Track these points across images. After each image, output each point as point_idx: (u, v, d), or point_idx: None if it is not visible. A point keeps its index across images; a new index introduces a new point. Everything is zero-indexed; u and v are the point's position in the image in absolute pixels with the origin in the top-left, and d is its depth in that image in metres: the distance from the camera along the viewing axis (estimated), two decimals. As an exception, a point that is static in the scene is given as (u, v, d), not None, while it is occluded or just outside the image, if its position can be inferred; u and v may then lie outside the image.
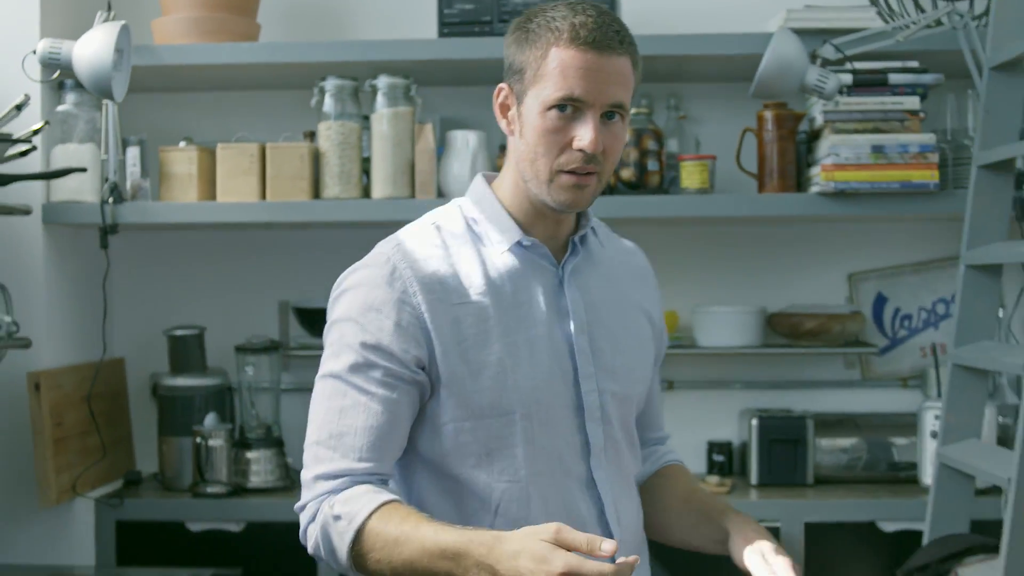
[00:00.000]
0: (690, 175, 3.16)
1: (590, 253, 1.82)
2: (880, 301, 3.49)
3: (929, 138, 3.07)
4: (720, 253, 3.47)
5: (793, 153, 3.20)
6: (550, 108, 1.66)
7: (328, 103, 3.20)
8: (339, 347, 1.72)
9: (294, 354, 3.48)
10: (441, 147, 3.25)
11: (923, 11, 3.06)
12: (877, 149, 3.06)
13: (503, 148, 3.21)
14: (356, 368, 1.69)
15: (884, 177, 3.05)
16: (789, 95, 3.05)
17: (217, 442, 3.19)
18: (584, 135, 1.66)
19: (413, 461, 1.78)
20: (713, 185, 3.21)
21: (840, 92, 2.97)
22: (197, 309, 3.52)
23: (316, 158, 3.21)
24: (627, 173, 3.15)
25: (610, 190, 3.16)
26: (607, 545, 1.50)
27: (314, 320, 3.40)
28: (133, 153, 3.24)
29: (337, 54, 3.17)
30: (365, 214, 3.16)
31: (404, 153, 3.16)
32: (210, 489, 3.18)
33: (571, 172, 1.68)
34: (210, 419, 3.22)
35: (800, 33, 2.99)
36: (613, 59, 1.66)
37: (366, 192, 3.21)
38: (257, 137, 3.31)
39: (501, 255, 1.74)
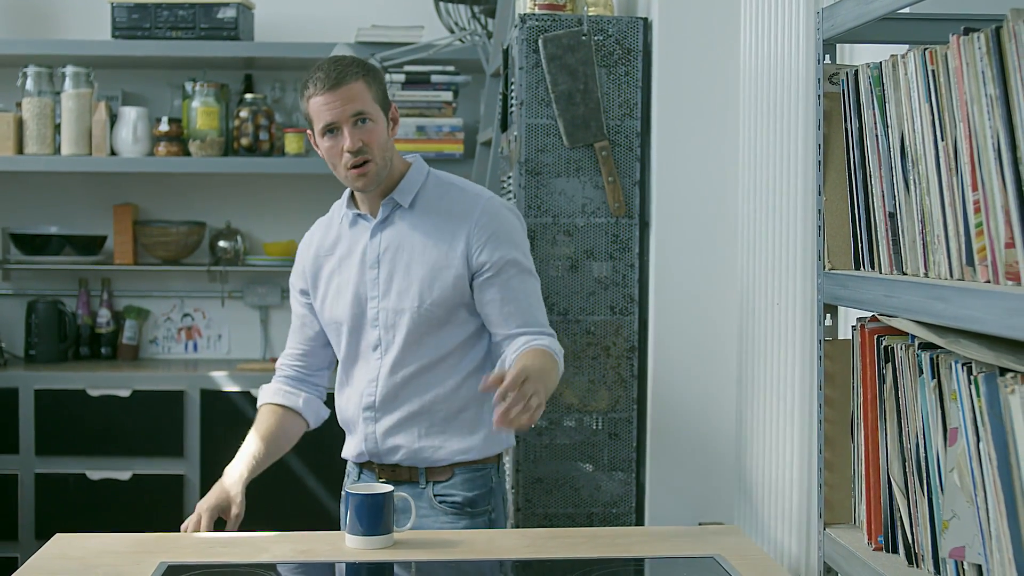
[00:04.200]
0: (291, 143, 4.46)
1: (406, 211, 2.53)
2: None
3: (457, 121, 4.43)
4: (318, 197, 4.73)
5: (368, 129, 4.52)
6: (323, 135, 2.46)
7: (30, 84, 4.41)
8: None
9: (11, 267, 4.68)
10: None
11: (483, 25, 4.37)
12: (420, 128, 4.40)
13: (159, 120, 4.46)
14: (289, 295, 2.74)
15: (425, 148, 4.39)
16: (349, 91, 4.35)
17: (-55, 329, 4.40)
18: (344, 143, 2.44)
19: None
20: (310, 150, 4.51)
21: (382, 90, 4.29)
22: (-64, 233, 4.69)
23: (20, 124, 4.42)
24: (245, 141, 4.44)
25: (234, 152, 4.45)
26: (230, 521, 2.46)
27: (25, 242, 4.61)
28: None
29: (37, 48, 4.42)
30: (56, 166, 4.41)
31: (84, 122, 4.39)
32: (-60, 361, 4.40)
33: (352, 167, 2.43)
34: (-59, 313, 4.43)
35: (366, 45, 4.31)
36: (343, 88, 2.41)
37: (57, 150, 4.43)
38: (-21, 107, 4.50)
39: (341, 222, 2.60)
